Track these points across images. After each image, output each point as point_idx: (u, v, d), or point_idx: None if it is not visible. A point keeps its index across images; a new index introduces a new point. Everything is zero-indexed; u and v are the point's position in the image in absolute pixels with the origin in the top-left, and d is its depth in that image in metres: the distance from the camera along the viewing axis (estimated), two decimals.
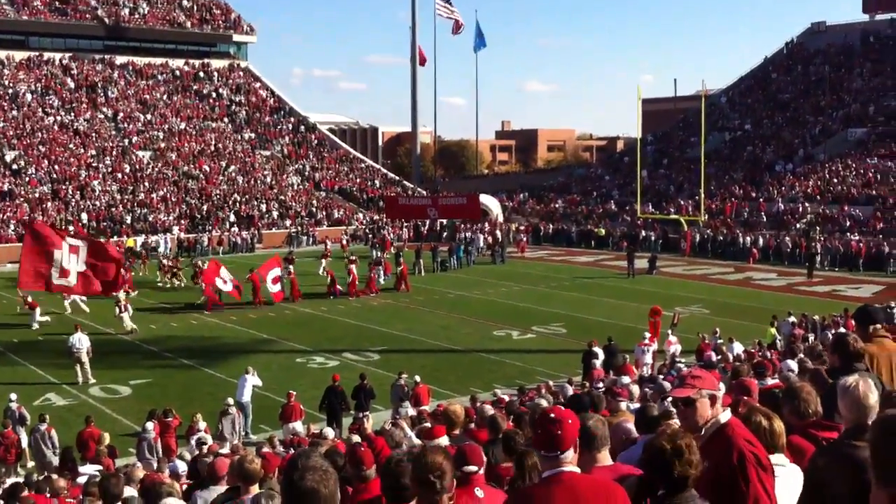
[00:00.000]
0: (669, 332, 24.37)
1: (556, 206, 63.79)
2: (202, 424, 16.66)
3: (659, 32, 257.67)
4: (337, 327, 30.20)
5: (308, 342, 27.45)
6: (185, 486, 12.40)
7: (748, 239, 47.84)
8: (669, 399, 10.30)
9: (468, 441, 7.58)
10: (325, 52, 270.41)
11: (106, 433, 16.22)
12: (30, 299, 29.88)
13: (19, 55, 70.00)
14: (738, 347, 21.81)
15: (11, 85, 66.32)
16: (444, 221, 54.75)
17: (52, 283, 21.49)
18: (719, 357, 20.05)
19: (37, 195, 54.59)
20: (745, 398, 7.08)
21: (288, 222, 57.84)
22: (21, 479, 13.55)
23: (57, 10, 73.71)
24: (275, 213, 58.99)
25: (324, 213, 60.59)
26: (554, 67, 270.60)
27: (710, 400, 4.25)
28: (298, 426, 17.67)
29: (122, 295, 29.40)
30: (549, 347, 26.77)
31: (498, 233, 52.79)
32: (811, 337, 23.83)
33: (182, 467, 13.43)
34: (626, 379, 17.28)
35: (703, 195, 49.11)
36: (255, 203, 59.79)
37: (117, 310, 28.74)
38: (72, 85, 69.36)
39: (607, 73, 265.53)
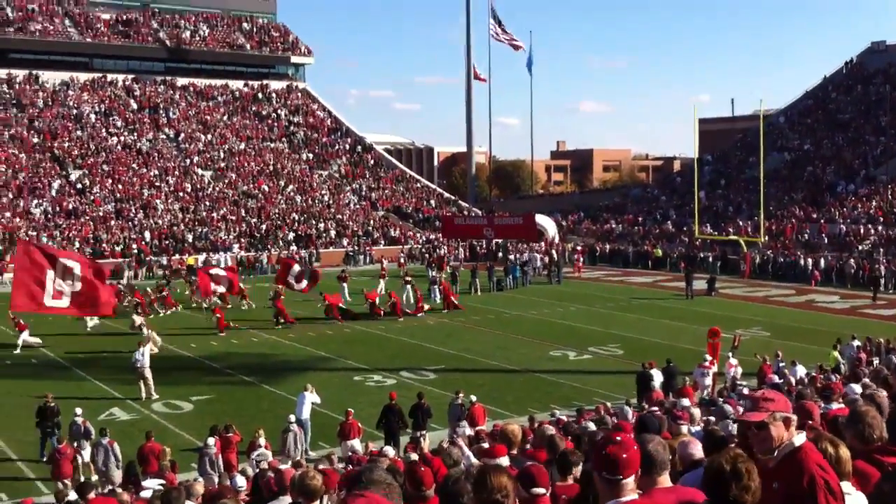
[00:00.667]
0: (730, 354, 24.04)
1: (612, 226, 63.45)
2: (262, 441, 16.86)
3: (716, 52, 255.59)
4: (394, 346, 30.35)
5: (366, 360, 27.62)
6: (244, 502, 12.59)
7: (809, 261, 47.08)
8: (732, 423, 10.19)
9: (526, 461, 7.59)
10: (381, 73, 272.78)
11: (167, 448, 16.51)
12: (21, 321, 29.34)
13: (84, 77, 71.88)
14: (800, 371, 21.46)
15: (76, 106, 68.05)
16: (499, 241, 54.74)
17: (45, 305, 20.84)
18: (782, 381, 19.74)
19: (101, 213, 55.83)
20: (809, 423, 7.00)
21: (345, 241, 58.35)
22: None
23: (120, 32, 75.59)
24: (332, 233, 59.56)
25: (380, 232, 61.04)
26: (609, 87, 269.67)
27: (783, 422, 4.21)
28: (356, 444, 17.75)
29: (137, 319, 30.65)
30: (605, 368, 26.59)
31: (554, 253, 52.66)
32: (875, 361, 23.35)
33: (242, 482, 13.62)
34: (685, 401, 17.13)
35: (762, 216, 48.49)
36: (313, 222, 60.45)
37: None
38: (134, 106, 70.97)
39: (663, 92, 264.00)
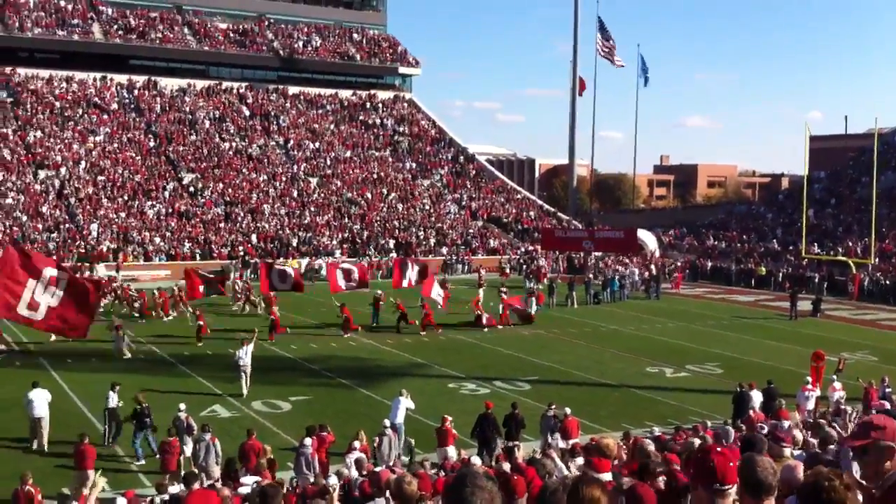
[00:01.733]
0: (834, 377, 23.37)
1: (715, 242, 62.24)
2: (357, 443, 17.14)
3: (829, 68, 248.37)
4: (489, 355, 30.48)
5: (460, 368, 27.83)
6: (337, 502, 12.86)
7: None
8: (835, 447, 9.99)
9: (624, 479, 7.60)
10: (486, 85, 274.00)
11: (268, 446, 16.97)
12: None
13: (200, 83, 74.33)
14: None
15: (192, 112, 70.40)
16: (591, 255, 54.26)
17: (18, 314, 19.21)
18: (890, 407, 19.10)
19: (210, 216, 57.63)
20: None
21: (444, 250, 58.78)
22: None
23: (236, 42, 77.91)
24: (432, 241, 60.09)
25: (479, 241, 61.29)
26: (715, 103, 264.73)
27: (885, 451, 4.05)
28: (451, 451, 17.90)
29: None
30: (703, 387, 26.13)
31: (653, 268, 51.98)
32: None
33: (334, 481, 13.88)
34: (786, 423, 16.77)
35: (873, 237, 46.91)
36: (413, 230, 61.11)
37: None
38: (247, 113, 73.03)
39: (772, 108, 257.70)
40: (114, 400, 19.87)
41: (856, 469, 4.96)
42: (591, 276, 48.16)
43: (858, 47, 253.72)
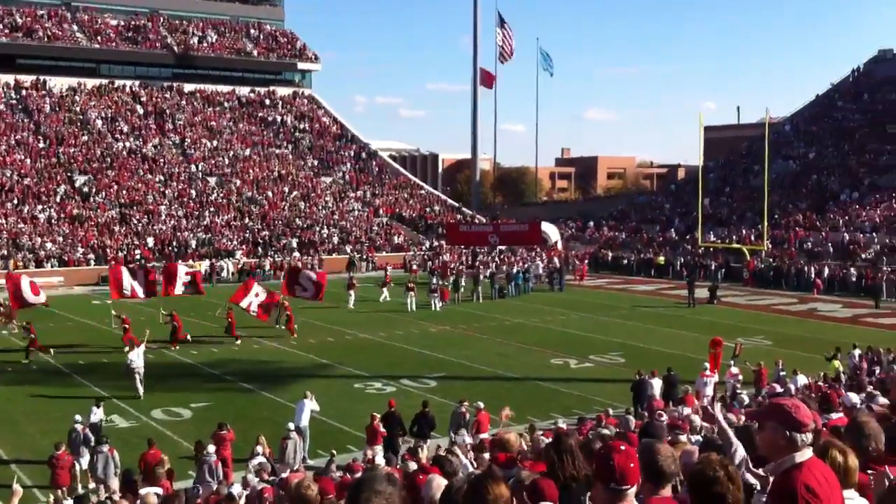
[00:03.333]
0: (731, 362, 24.00)
1: (616, 233, 63.38)
2: (259, 448, 16.83)
3: (722, 60, 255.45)
4: (395, 353, 30.34)
5: (366, 367, 27.60)
6: None
7: (812, 269, 46.98)
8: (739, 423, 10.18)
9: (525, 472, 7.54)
10: (388, 80, 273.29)
11: (166, 456, 16.48)
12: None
13: (91, 82, 72.06)
14: (801, 380, 21.39)
15: (83, 111, 68.21)
16: (476, 249, 54.63)
17: None
18: (783, 390, 19.68)
19: (105, 219, 55.91)
20: (823, 429, 6.96)
21: (348, 248, 58.35)
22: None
23: (128, 39, 75.80)
24: (335, 239, 59.58)
25: (383, 238, 61.05)
26: (614, 95, 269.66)
27: (783, 434, 4.07)
28: (379, 450, 17.66)
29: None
30: (607, 377, 26.53)
31: (557, 260, 52.58)
32: (877, 370, 23.28)
33: (238, 490, 13.57)
34: (686, 410, 17.08)
35: (766, 224, 48.40)
36: (317, 228, 60.48)
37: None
38: (141, 111, 71.13)
39: (669, 100, 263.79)
40: (96, 415, 19.22)
41: (741, 452, 5.02)
42: (481, 268, 48.45)
43: (750, 38, 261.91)
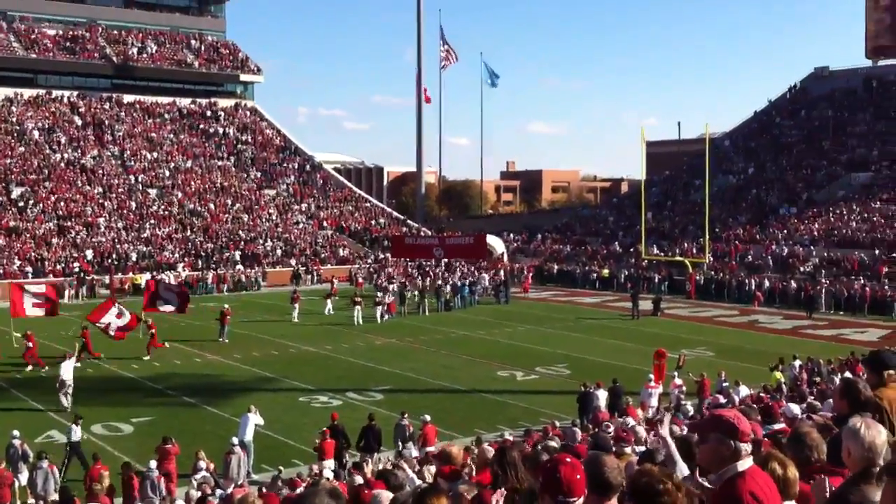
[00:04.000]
0: (675, 374, 24.25)
1: (561, 246, 63.82)
2: (202, 463, 16.55)
3: (663, 76, 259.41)
4: (340, 366, 30.11)
5: (311, 381, 27.34)
6: None
7: (753, 282, 47.78)
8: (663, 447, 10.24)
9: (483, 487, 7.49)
10: (331, 92, 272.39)
11: (106, 472, 16.10)
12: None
13: (28, 93, 70.66)
14: (744, 391, 21.67)
15: (19, 122, 66.81)
16: (419, 262, 54.68)
17: None
18: (726, 400, 19.91)
19: (42, 231, 54.74)
20: (763, 440, 7.00)
21: (293, 261, 57.87)
22: None
23: (66, 49, 74.50)
24: (279, 252, 59.05)
25: (328, 251, 60.68)
26: (559, 109, 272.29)
27: (728, 445, 4.09)
28: (330, 464, 17.44)
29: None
30: (552, 388, 26.62)
31: (502, 273, 52.76)
32: (817, 380, 23.68)
33: None
34: (630, 421, 17.18)
35: (707, 237, 49.15)
36: (261, 241, 59.91)
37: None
38: (79, 122, 69.91)
39: (612, 115, 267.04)
40: (77, 434, 18.72)
41: (682, 468, 5.04)
42: (427, 280, 48.44)
43: (690, 55, 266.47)
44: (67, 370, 23.91)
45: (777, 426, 9.67)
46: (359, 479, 12.76)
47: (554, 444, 13.16)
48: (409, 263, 57.08)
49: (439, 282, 48.40)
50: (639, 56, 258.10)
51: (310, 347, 33.40)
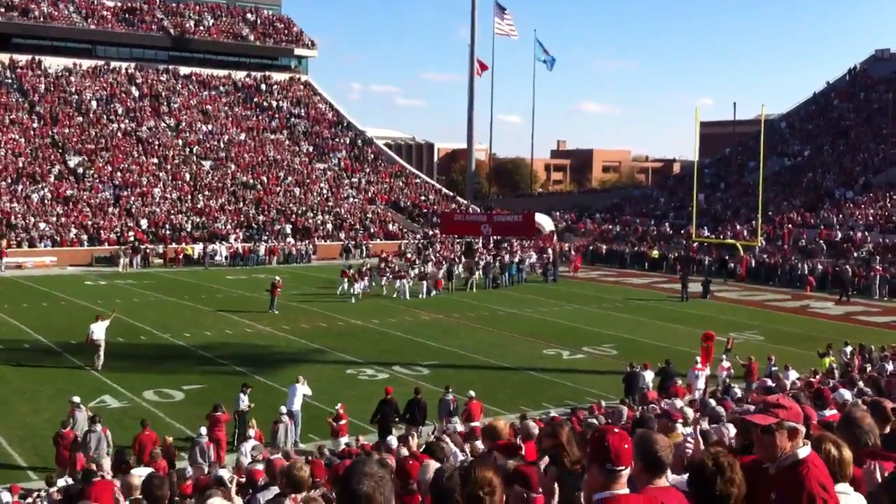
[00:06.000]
0: (723, 357, 24.05)
1: (610, 226, 63.44)
2: (252, 431, 16.85)
3: (719, 56, 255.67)
4: (388, 340, 30.33)
5: (359, 354, 27.60)
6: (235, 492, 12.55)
7: (806, 266, 47.09)
8: (726, 425, 10.19)
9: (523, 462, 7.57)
10: (384, 68, 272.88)
11: (169, 437, 16.50)
12: None
13: (86, 63, 71.77)
14: (793, 375, 21.43)
15: (78, 92, 67.92)
16: (469, 240, 54.50)
17: None
18: (775, 384, 19.73)
19: (98, 201, 55.75)
20: (814, 423, 6.95)
21: (342, 235, 58.29)
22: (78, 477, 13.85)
23: (124, 20, 75.45)
24: (329, 226, 59.49)
25: (377, 226, 60.99)
26: (611, 89, 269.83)
27: (789, 432, 4.09)
28: (344, 441, 17.69)
29: None
30: (599, 368, 26.58)
31: (550, 251, 52.62)
32: (868, 367, 23.35)
33: (228, 475, 13.57)
34: (678, 402, 17.12)
35: (759, 220, 48.50)
36: (311, 215, 60.38)
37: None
38: (136, 94, 70.86)
39: (665, 95, 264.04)
40: (244, 402, 19.08)
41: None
42: (478, 261, 48.28)
43: (748, 36, 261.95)
44: (100, 330, 24.71)
45: (828, 412, 9.57)
46: (404, 452, 12.90)
47: (596, 422, 13.20)
48: (458, 240, 57.16)
49: (488, 258, 48.36)
50: (694, 37, 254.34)
51: (357, 321, 33.67)
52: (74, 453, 16.35)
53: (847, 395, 12.47)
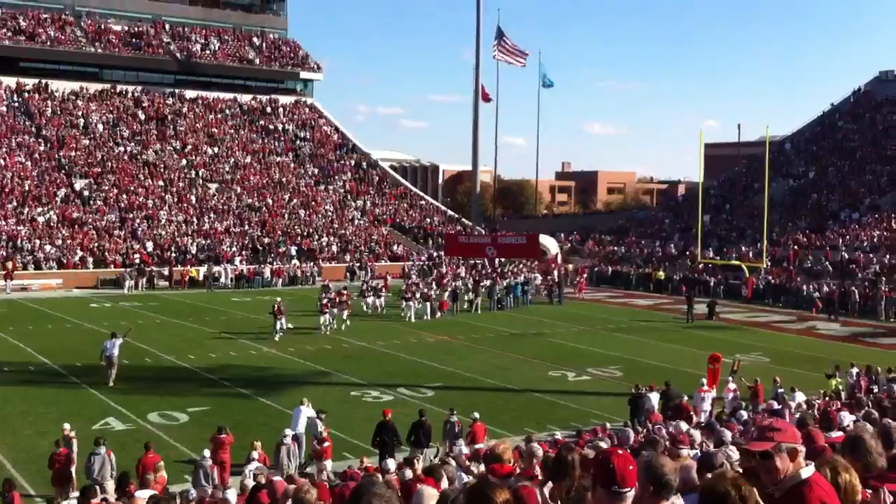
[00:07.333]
0: (729, 378, 23.95)
1: (615, 248, 63.41)
2: (255, 454, 16.79)
3: (724, 78, 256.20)
4: (392, 362, 30.28)
5: (363, 376, 27.53)
6: None
7: (812, 287, 46.97)
8: (732, 449, 10.13)
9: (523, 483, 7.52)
10: (390, 91, 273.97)
11: (161, 462, 16.42)
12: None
13: (93, 87, 72.15)
14: (800, 397, 21.33)
15: (84, 115, 68.27)
16: (475, 261, 54.54)
17: None
18: (781, 406, 19.63)
19: (104, 223, 55.89)
20: (824, 447, 6.90)
21: (347, 256, 58.34)
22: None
23: (131, 44, 75.92)
24: (335, 248, 59.56)
25: (382, 248, 61.03)
26: (616, 110, 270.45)
27: (789, 454, 4.08)
28: (329, 465, 17.64)
29: None
30: (604, 390, 26.48)
31: (556, 273, 52.59)
32: (874, 389, 23.24)
33: (233, 498, 13.52)
34: (684, 425, 17.03)
35: (765, 242, 48.44)
36: (316, 237, 60.48)
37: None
38: (142, 117, 71.19)
39: (670, 117, 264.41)
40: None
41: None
42: (483, 280, 48.37)
43: (752, 58, 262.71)
44: (114, 347, 25.26)
45: (835, 434, 9.50)
46: (408, 474, 12.85)
47: (603, 444, 13.14)
48: (462, 262, 57.16)
49: (491, 281, 48.36)
50: (699, 58, 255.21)
51: (363, 343, 33.64)
52: (69, 468, 16.37)
53: (848, 418, 12.38)
